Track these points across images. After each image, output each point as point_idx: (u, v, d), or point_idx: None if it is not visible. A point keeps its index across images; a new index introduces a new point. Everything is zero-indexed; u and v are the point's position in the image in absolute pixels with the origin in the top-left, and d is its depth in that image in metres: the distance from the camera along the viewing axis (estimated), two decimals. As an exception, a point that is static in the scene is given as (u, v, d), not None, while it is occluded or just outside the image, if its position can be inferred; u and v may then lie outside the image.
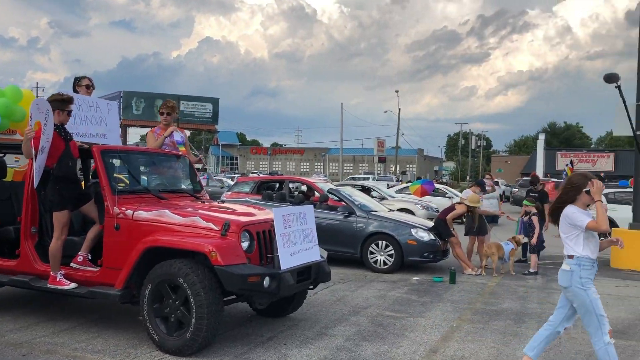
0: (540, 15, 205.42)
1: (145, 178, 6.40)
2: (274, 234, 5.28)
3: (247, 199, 11.19)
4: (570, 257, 4.45)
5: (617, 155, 60.36)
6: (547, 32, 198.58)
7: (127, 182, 5.94)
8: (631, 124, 10.91)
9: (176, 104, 7.05)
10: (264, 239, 5.34)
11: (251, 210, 6.06)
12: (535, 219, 10.51)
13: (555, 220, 4.66)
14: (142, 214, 5.37)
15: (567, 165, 22.11)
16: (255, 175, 45.65)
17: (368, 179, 52.44)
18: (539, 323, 6.65)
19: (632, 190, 12.95)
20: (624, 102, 10.51)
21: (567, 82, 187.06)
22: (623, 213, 14.43)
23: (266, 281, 4.98)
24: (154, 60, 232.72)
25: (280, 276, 5.09)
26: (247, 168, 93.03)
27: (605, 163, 60.37)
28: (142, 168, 6.43)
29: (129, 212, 5.40)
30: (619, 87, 10.21)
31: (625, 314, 7.34)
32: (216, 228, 5.08)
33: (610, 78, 10.21)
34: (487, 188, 11.75)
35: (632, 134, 11.24)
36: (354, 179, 51.73)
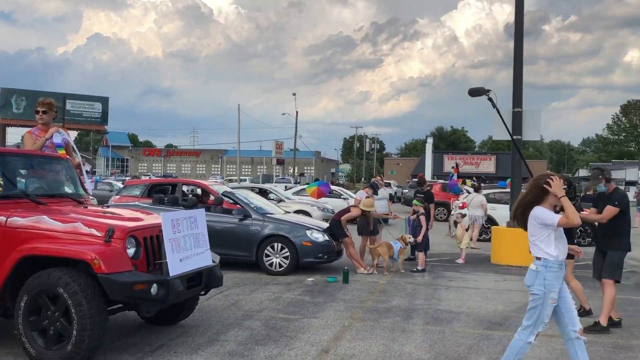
0: (430, 25, 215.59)
1: (23, 182, 5.97)
2: (163, 239, 5.12)
3: (136, 203, 10.76)
4: (538, 259, 4.38)
5: (498, 157, 64.87)
6: (435, 40, 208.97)
7: (1, 184, 5.50)
8: (507, 129, 11.76)
9: (54, 102, 6.56)
10: (151, 244, 5.17)
11: (138, 215, 5.84)
12: (422, 218, 11.01)
13: (521, 221, 4.57)
14: (18, 221, 5.01)
15: (452, 167, 23.40)
16: (146, 178, 44.14)
17: (245, 180, 52.91)
18: (426, 319, 6.98)
19: (510, 190, 13.92)
20: (498, 111, 11.36)
21: (454, 88, 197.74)
22: (502, 212, 15.50)
23: (154, 288, 4.83)
24: (37, 55, 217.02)
25: (169, 283, 4.95)
26: (140, 170, 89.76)
27: (488, 165, 64.69)
28: (18, 171, 5.98)
29: (2, 218, 5.03)
30: (490, 99, 11.10)
31: (502, 306, 7.87)
32: (99, 234, 4.84)
33: (475, 92, 11.14)
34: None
35: (509, 138, 12.12)
36: (230, 180, 51.71)
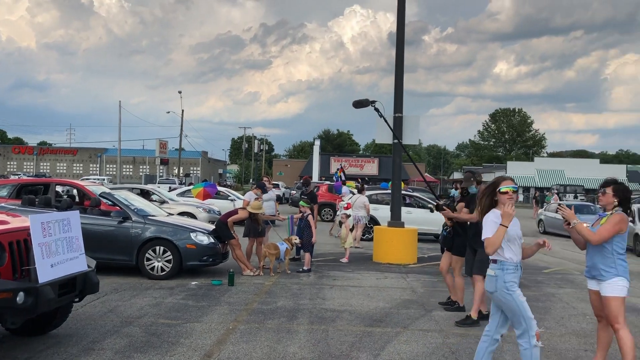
0: (318, 29, 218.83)
1: None
2: (31, 244, 4.75)
3: (2, 204, 9.91)
4: (494, 261, 4.43)
5: (381, 160, 67.52)
6: (323, 45, 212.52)
7: None
8: (395, 135, 12.27)
9: None
10: (18, 249, 4.78)
11: (3, 217, 5.38)
12: (310, 218, 11.17)
13: None
14: None
15: (338, 169, 23.99)
16: (16, 177, 40.97)
17: (100, 180, 51.28)
18: (310, 318, 7.08)
19: (391, 191, 14.49)
20: (385, 120, 11.88)
21: (340, 93, 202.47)
22: (383, 212, 16.11)
23: (20, 297, 4.47)
24: None
25: (38, 290, 4.61)
26: (9, 169, 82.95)
27: (371, 167, 67.09)
28: None
29: None
30: (377, 110, 11.63)
31: (383, 303, 8.17)
32: (-44, 239, 4.40)
33: (358, 104, 11.62)
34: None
35: (391, 142, 12.64)
36: (88, 179, 49.69)
